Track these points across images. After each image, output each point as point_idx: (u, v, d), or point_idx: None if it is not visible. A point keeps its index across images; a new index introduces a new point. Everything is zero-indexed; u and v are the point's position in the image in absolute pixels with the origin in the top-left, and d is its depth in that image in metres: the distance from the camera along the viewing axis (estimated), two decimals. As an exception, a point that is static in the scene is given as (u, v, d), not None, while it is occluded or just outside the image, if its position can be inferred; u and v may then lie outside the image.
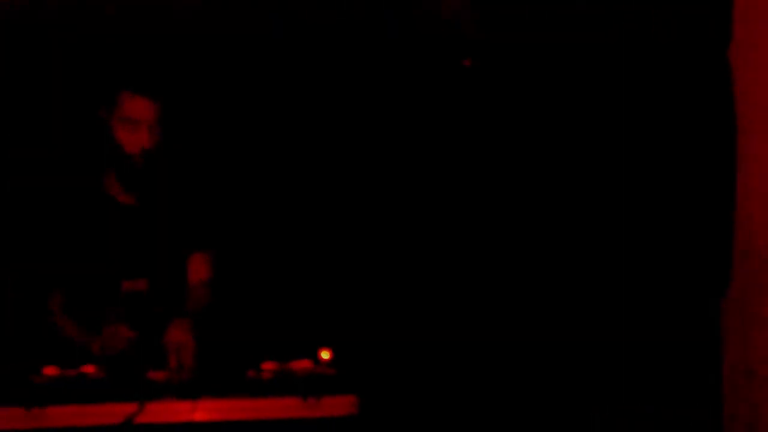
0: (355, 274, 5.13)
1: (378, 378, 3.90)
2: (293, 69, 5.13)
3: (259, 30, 5.02)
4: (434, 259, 5.12)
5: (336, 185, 5.17)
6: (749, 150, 4.06)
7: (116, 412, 3.32)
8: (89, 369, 3.43)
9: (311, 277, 5.12)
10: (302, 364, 3.51)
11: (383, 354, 4.81)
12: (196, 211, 4.26)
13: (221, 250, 4.30)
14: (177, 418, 3.36)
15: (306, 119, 5.17)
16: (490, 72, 5.02)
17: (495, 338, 4.89)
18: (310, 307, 5.02)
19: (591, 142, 4.89)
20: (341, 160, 5.16)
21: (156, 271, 4.15)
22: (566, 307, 4.89)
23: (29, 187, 4.25)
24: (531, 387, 4.89)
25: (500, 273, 5.02)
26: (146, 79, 4.13)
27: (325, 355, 3.53)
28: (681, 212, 4.66)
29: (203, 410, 3.38)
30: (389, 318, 5.01)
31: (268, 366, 3.51)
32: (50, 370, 3.39)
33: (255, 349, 3.77)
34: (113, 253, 4.12)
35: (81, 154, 4.32)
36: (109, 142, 4.10)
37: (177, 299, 4.14)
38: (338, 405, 3.42)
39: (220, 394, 3.43)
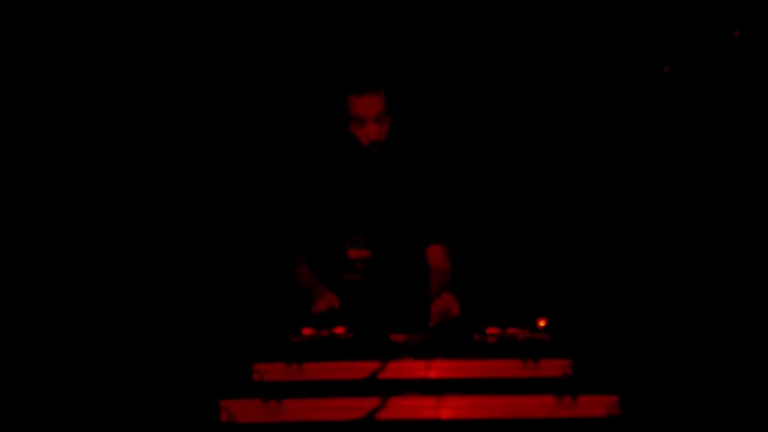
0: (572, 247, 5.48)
1: (590, 344, 4.19)
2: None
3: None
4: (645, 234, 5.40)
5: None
6: None
7: (362, 368, 3.70)
8: (340, 330, 3.92)
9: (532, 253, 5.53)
10: (521, 331, 3.94)
11: (593, 322, 5.16)
12: (431, 202, 4.73)
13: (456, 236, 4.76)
14: (413, 375, 3.73)
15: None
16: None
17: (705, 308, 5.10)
18: (531, 278, 5.45)
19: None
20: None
21: (380, 245, 4.64)
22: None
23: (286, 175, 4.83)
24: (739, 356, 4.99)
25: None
26: (368, 79, 4.58)
27: (541, 323, 3.96)
28: None
29: (436, 369, 3.74)
30: (601, 289, 5.37)
31: (492, 331, 3.95)
32: (307, 331, 3.89)
33: (479, 315, 4.21)
34: (349, 227, 4.63)
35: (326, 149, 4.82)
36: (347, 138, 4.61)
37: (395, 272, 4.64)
38: (554, 367, 3.76)
39: (451, 355, 3.80)
